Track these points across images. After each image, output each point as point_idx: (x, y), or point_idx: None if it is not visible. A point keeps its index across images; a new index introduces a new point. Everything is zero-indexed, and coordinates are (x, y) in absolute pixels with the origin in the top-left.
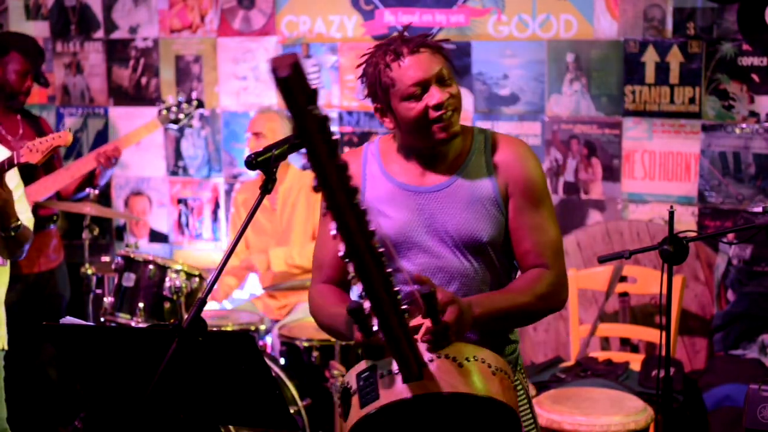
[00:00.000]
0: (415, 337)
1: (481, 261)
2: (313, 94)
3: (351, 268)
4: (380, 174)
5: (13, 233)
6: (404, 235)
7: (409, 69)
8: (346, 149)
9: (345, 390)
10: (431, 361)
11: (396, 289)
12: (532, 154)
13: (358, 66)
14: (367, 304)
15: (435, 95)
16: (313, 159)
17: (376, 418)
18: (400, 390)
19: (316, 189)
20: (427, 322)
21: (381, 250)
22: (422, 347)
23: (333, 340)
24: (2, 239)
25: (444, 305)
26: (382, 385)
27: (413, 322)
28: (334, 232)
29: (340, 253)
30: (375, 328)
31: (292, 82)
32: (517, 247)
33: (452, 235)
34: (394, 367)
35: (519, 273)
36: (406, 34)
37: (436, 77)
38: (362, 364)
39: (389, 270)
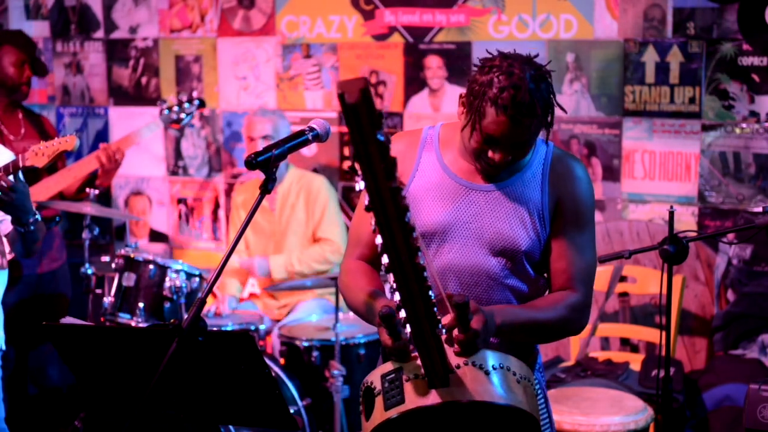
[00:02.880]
0: (444, 343)
1: (512, 268)
2: (379, 118)
3: (391, 279)
4: (436, 161)
5: (32, 227)
6: (443, 227)
7: (500, 125)
8: (347, 150)
9: (368, 390)
10: (458, 367)
11: (432, 301)
12: (588, 178)
13: (488, 60)
14: (402, 314)
15: (497, 155)
16: (370, 181)
17: (400, 421)
18: (426, 395)
19: (368, 209)
20: (453, 328)
21: (422, 264)
22: (449, 353)
23: (333, 339)
24: (20, 235)
25: (471, 313)
26: (408, 389)
27: (443, 321)
28: (380, 246)
29: (383, 266)
30: (404, 333)
31: (361, 108)
32: (554, 264)
33: (491, 237)
34: (421, 371)
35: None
36: (531, 90)
37: (514, 142)
38: (387, 366)
39: (429, 284)
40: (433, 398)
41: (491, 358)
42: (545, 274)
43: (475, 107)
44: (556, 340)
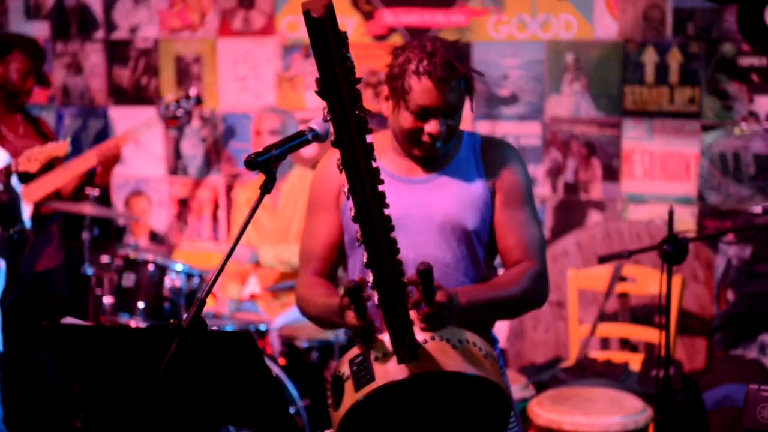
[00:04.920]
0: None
1: (464, 251)
2: (344, 38)
3: (359, 232)
4: None
5: (15, 236)
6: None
7: (428, 92)
8: None
9: (336, 378)
10: (425, 342)
11: (398, 257)
12: (519, 156)
13: (397, 48)
14: (369, 277)
15: (434, 126)
16: (337, 108)
17: (372, 401)
18: (397, 370)
19: (334, 144)
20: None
21: (387, 213)
22: (416, 329)
23: (333, 339)
24: (5, 240)
25: (435, 288)
26: (378, 368)
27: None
28: (346, 190)
29: (352, 214)
30: (370, 306)
31: (326, 23)
32: (502, 242)
33: (439, 222)
34: (388, 349)
35: (501, 271)
36: (448, 54)
37: (445, 109)
38: (354, 350)
39: (393, 236)
40: (403, 372)
41: (457, 333)
42: (495, 263)
43: (399, 88)
44: (521, 314)
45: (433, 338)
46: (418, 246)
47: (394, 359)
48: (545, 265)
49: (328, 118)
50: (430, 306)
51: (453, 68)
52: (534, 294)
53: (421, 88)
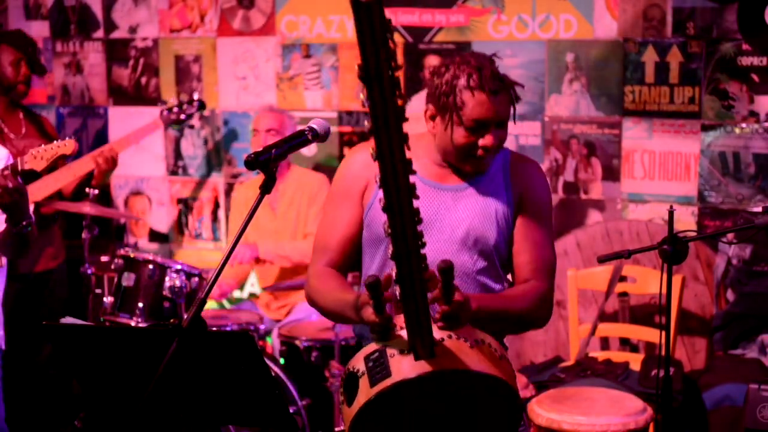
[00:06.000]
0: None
1: (483, 263)
2: (389, 24)
3: (387, 224)
4: None
5: (24, 231)
6: None
7: (482, 105)
8: (346, 150)
9: (351, 375)
10: (442, 340)
11: (423, 253)
12: (545, 177)
13: (439, 67)
14: (393, 269)
15: (489, 138)
16: (377, 93)
17: (386, 397)
18: (414, 367)
19: (370, 131)
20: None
21: (416, 206)
22: (433, 327)
23: (333, 339)
24: (12, 236)
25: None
26: (394, 364)
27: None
28: (377, 179)
29: (381, 204)
30: (387, 307)
31: (375, 8)
32: (516, 258)
33: (464, 232)
34: (405, 346)
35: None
36: (496, 67)
37: (498, 120)
38: (370, 347)
39: (420, 231)
40: (420, 369)
41: (473, 333)
42: (509, 276)
43: (451, 104)
44: (523, 331)
45: (450, 337)
46: (439, 251)
47: (410, 356)
48: (553, 287)
49: (365, 104)
50: (449, 304)
51: (501, 80)
52: (539, 313)
53: (474, 102)
